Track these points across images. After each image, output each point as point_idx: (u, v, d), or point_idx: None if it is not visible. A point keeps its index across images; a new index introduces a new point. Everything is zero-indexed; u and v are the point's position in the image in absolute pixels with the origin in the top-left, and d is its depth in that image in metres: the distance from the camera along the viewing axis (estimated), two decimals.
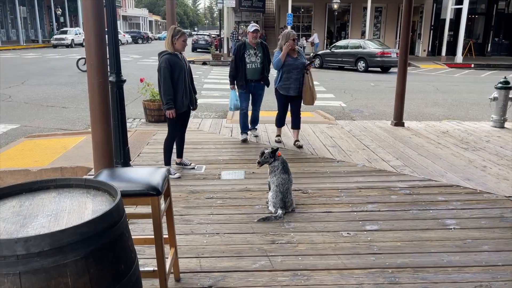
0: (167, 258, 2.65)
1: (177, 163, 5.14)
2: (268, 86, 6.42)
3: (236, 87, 6.29)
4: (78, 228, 1.45)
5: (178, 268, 2.84)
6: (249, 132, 6.66)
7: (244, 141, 6.43)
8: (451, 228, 3.61)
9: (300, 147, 6.11)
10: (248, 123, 6.63)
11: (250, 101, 6.45)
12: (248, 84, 6.23)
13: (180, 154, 5.16)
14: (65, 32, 34.72)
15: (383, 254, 3.17)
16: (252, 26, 6.19)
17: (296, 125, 6.29)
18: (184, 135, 5.12)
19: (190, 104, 4.85)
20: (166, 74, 4.57)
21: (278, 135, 6.56)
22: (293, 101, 6.14)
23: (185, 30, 5.56)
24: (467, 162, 5.52)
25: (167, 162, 4.92)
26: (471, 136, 7.05)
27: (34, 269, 1.38)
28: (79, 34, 33.51)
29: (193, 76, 5.10)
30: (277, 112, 6.41)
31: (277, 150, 4.02)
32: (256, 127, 6.81)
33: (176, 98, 4.66)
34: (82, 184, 1.88)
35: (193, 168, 5.11)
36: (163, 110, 4.73)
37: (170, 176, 4.67)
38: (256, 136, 6.71)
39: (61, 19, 39.90)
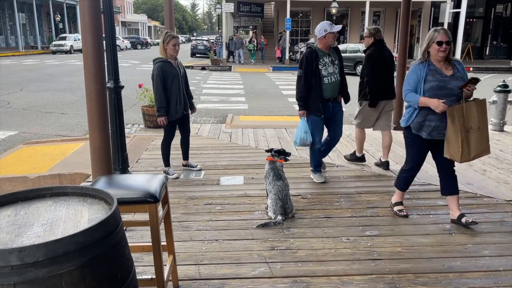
0: (166, 265, 2.62)
1: (183, 165, 5.26)
2: (347, 102, 4.89)
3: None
4: (73, 238, 1.43)
5: (176, 275, 2.81)
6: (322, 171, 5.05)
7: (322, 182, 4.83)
8: (451, 233, 3.59)
9: (474, 223, 3.64)
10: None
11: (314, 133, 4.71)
12: (326, 106, 4.64)
13: (185, 156, 5.28)
14: (64, 38, 34.79)
15: (384, 259, 3.15)
16: (333, 25, 4.53)
17: (451, 188, 3.77)
18: (187, 138, 5.21)
19: (185, 110, 4.90)
20: (158, 82, 4.66)
21: (399, 204, 4.02)
22: (439, 148, 3.63)
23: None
24: (467, 166, 5.49)
25: (166, 163, 5.06)
26: None
27: (29, 280, 1.36)
28: (78, 40, 33.55)
29: (192, 81, 5.16)
30: (404, 164, 3.95)
31: (271, 151, 4.07)
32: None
33: (169, 105, 4.75)
34: (79, 192, 1.86)
35: (200, 170, 5.22)
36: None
37: (168, 176, 4.80)
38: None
39: (60, 26, 39.97)
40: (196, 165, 5.29)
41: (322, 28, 4.51)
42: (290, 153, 4.17)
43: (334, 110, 4.74)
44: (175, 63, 4.77)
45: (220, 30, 29.36)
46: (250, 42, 28.93)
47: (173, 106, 4.74)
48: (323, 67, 4.56)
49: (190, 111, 5.07)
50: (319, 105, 4.56)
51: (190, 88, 5.22)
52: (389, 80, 5.31)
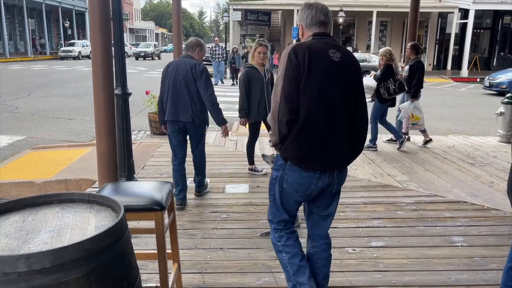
0: (170, 273, 2.61)
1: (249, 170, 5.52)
2: None
3: None
4: (80, 245, 1.42)
5: (181, 283, 2.80)
6: None
7: None
8: (458, 246, 3.55)
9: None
10: None
11: None
12: None
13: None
14: (72, 44, 35.13)
15: (389, 271, 3.12)
16: None
17: None
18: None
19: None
20: (242, 86, 5.09)
21: None
22: None
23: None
24: (474, 178, 5.46)
25: (250, 162, 5.49)
26: (478, 151, 7.00)
27: (35, 287, 1.36)
28: (86, 46, 33.90)
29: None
30: None
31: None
32: None
33: (251, 108, 5.11)
34: (86, 199, 1.86)
35: (265, 174, 5.40)
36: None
37: (257, 172, 5.42)
38: None
39: (69, 32, 40.37)
40: (262, 170, 5.48)
41: None
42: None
43: None
44: (261, 69, 5.07)
45: (216, 38, 20.71)
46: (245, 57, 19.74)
47: (254, 109, 5.06)
48: None
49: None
50: None
51: None
52: None
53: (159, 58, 38.58)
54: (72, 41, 37.15)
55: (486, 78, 18.14)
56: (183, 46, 5.38)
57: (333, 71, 2.22)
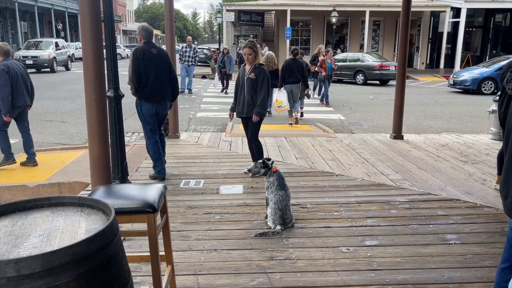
0: (164, 275, 2.61)
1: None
2: None
3: None
4: (70, 249, 1.42)
5: (175, 286, 2.79)
6: None
7: None
8: (451, 243, 3.57)
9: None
10: None
11: None
12: None
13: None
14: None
15: (383, 270, 3.13)
16: None
17: None
18: (248, 140, 5.56)
19: (243, 113, 5.36)
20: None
21: None
22: None
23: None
24: (467, 176, 5.49)
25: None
26: (471, 149, 7.04)
27: None
28: (79, 48, 33.72)
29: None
30: None
31: (269, 161, 3.99)
32: None
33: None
34: (76, 202, 1.85)
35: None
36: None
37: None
38: None
39: (62, 34, 40.15)
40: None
41: None
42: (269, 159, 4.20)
43: None
44: (247, 68, 5.20)
45: (189, 38, 16.33)
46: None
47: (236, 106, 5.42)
48: None
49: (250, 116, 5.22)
50: None
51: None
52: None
53: (67, 69, 24.48)
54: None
55: (451, 76, 18.22)
56: (176, 47, 5.38)
57: (154, 57, 4.93)
